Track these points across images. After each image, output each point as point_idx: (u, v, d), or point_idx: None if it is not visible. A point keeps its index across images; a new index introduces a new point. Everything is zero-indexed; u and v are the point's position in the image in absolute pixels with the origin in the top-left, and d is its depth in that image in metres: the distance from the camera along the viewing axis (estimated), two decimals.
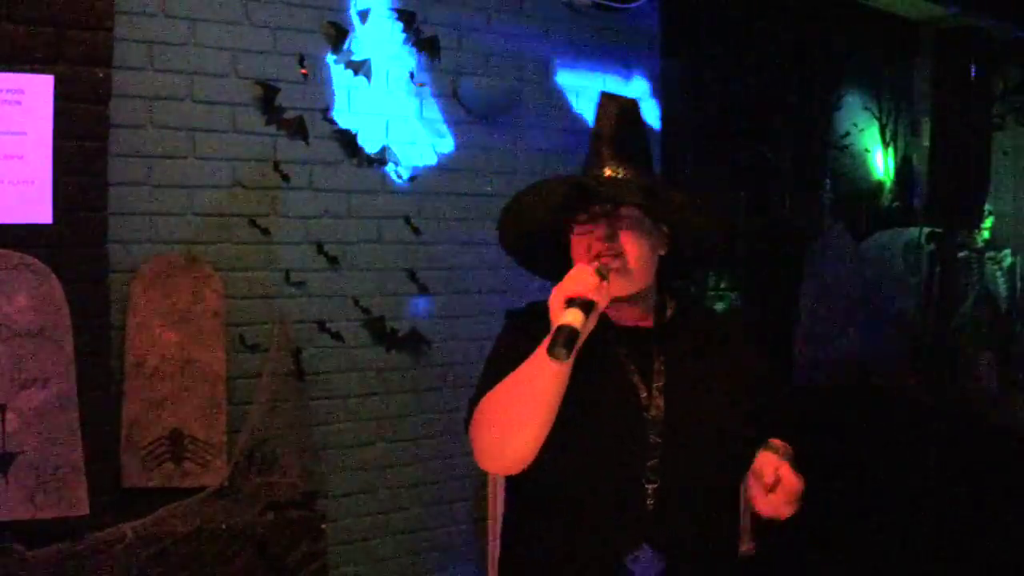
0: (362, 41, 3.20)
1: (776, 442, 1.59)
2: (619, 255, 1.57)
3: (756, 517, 1.58)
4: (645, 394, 1.61)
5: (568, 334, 1.40)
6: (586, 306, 1.44)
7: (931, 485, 3.48)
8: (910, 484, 3.66)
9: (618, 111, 1.65)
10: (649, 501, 1.55)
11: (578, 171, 1.72)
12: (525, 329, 1.63)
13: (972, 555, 3.57)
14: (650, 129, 3.86)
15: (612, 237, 1.58)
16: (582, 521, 1.57)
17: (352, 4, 3.17)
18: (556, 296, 1.47)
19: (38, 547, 2.26)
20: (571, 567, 1.57)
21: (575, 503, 1.58)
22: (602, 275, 1.50)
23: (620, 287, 1.58)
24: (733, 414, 1.64)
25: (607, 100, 1.67)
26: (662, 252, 1.67)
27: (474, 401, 1.62)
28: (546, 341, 1.43)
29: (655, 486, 1.55)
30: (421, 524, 3.41)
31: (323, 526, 2.70)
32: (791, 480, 1.49)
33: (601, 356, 1.62)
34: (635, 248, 1.59)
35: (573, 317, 1.42)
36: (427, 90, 3.36)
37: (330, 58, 3.15)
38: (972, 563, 3.55)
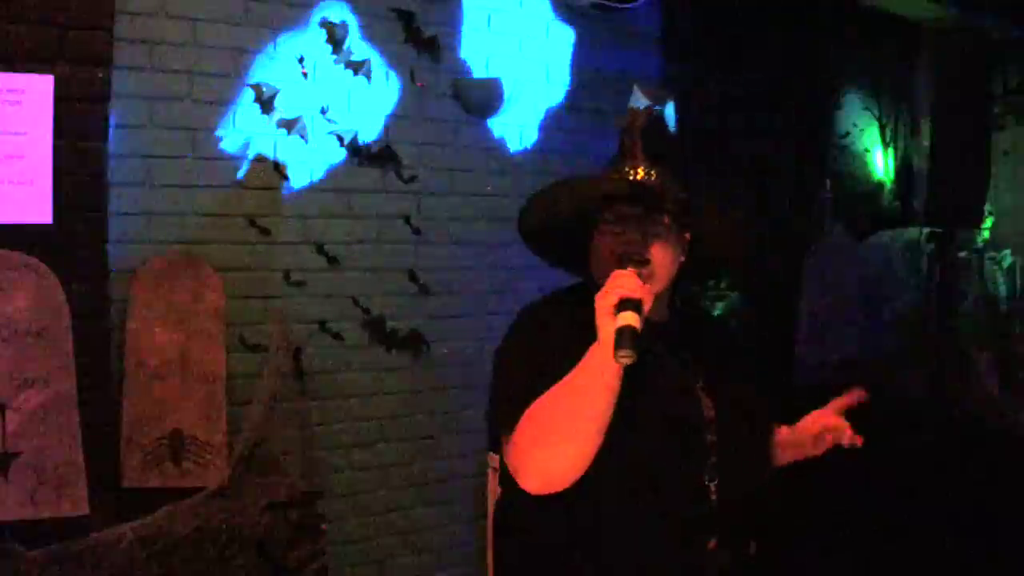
0: (362, 41, 3.20)
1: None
2: (647, 261, 1.54)
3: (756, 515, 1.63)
4: (697, 396, 1.62)
5: (631, 334, 1.38)
6: (638, 307, 1.42)
7: (930, 486, 3.48)
8: (909, 485, 3.66)
9: (652, 104, 1.63)
10: (713, 498, 1.57)
11: (602, 168, 1.69)
12: (559, 322, 1.58)
13: (972, 556, 3.57)
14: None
15: (643, 243, 1.55)
16: (652, 524, 1.54)
17: (352, 5, 3.18)
18: (603, 302, 1.41)
19: (38, 547, 2.25)
20: (646, 571, 1.55)
21: (642, 507, 1.53)
22: (642, 278, 1.48)
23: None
24: (761, 408, 1.71)
25: (642, 92, 1.66)
26: (683, 258, 1.64)
27: (509, 414, 1.50)
28: (592, 350, 1.42)
29: (716, 483, 1.58)
30: (421, 524, 3.41)
31: (323, 526, 2.70)
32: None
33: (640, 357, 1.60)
34: (662, 255, 1.57)
35: (631, 318, 1.39)
36: (427, 90, 3.36)
37: (330, 58, 3.15)
38: (972, 564, 3.55)
